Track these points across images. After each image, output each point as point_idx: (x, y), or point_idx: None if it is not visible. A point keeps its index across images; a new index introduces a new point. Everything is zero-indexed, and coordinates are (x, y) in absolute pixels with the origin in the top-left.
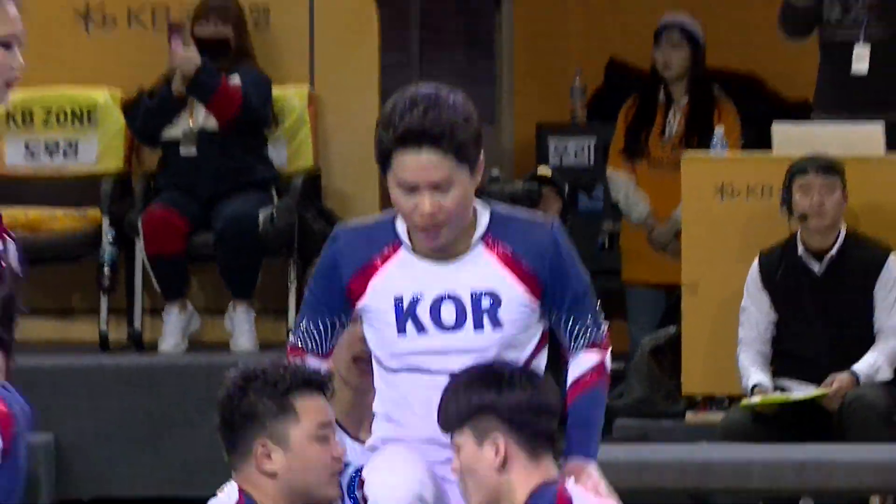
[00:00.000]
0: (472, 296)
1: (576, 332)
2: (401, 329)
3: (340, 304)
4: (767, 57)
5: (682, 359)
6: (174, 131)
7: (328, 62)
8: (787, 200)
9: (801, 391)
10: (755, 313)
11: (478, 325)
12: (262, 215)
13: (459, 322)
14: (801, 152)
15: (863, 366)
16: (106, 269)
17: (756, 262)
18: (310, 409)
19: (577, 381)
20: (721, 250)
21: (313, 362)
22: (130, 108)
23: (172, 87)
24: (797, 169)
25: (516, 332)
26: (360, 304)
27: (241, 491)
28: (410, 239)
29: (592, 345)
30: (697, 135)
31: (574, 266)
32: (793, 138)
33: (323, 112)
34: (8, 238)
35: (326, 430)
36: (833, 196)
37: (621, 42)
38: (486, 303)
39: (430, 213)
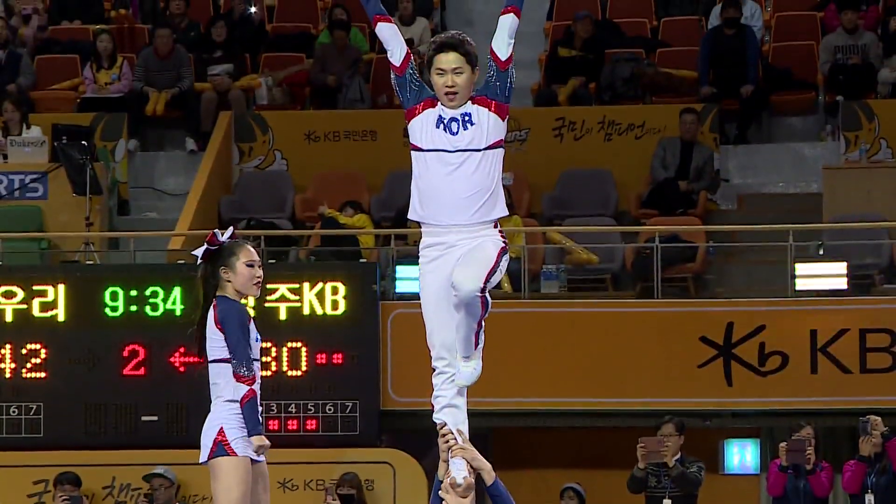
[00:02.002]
0: (461, 115)
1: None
2: (437, 126)
3: (414, 84)
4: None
5: None
6: None
7: None
8: None
9: None
10: None
11: (465, 127)
12: None
13: (458, 129)
14: None
15: None
16: None
17: None
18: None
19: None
20: None
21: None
22: None
23: None
24: None
25: (482, 135)
26: (411, 119)
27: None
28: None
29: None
30: None
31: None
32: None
33: None
34: None
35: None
36: None
37: None
38: (465, 118)
39: (451, 84)
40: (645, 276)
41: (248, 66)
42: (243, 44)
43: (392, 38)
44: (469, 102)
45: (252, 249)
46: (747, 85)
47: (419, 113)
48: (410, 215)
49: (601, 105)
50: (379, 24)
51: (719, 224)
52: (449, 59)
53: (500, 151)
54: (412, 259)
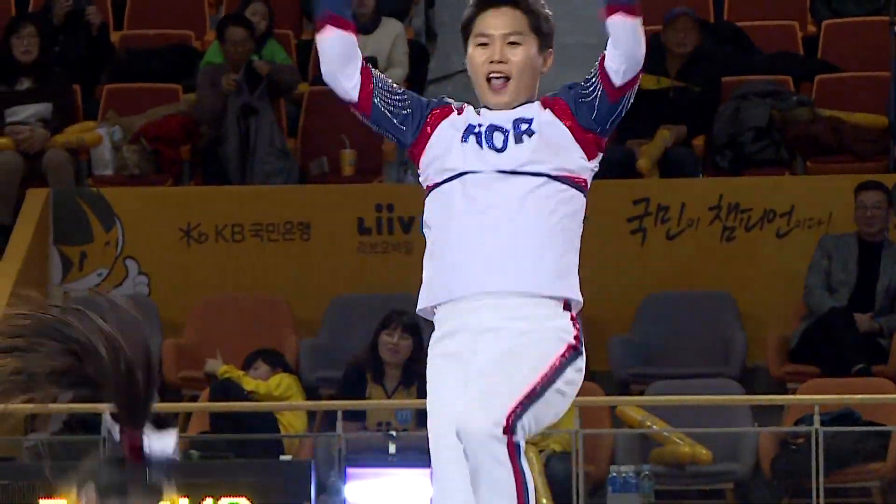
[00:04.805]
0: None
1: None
2: (464, 140)
3: (398, 104)
4: None
5: None
6: None
7: None
8: None
9: None
10: None
11: (518, 139)
12: None
13: (504, 143)
14: None
15: None
16: None
17: None
18: None
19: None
20: None
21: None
22: None
23: None
24: None
25: (548, 154)
26: (420, 157)
27: None
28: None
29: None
30: None
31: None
32: None
33: None
34: None
35: None
36: None
37: None
38: (520, 125)
39: (500, 58)
40: (796, 483)
41: (78, 107)
42: (71, 67)
43: (337, 58)
44: (531, 104)
45: None
46: None
47: (430, 136)
48: (421, 303)
49: (715, 176)
50: (327, 30)
51: None
52: (499, 23)
53: (577, 197)
54: (374, 455)
